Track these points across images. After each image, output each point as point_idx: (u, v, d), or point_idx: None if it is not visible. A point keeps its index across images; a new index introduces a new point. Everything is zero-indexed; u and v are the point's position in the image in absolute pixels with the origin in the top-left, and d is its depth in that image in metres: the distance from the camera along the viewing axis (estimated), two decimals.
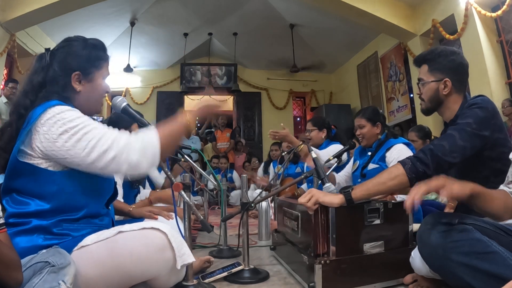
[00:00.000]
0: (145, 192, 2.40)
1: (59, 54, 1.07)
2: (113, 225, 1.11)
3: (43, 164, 0.95)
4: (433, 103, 1.38)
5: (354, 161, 2.35)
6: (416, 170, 1.17)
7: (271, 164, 4.21)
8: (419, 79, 1.40)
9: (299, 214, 1.34)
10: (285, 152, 1.80)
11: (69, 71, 1.05)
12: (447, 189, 0.88)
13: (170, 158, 1.97)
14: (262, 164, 4.68)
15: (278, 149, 4.30)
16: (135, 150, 0.93)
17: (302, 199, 1.21)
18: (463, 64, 1.36)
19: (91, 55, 1.08)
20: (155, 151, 0.96)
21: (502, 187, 1.02)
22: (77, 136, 0.92)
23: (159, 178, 2.91)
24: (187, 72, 7.55)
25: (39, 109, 0.95)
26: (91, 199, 1.02)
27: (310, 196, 1.19)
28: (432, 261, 0.96)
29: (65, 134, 0.92)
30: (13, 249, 0.76)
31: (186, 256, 1.01)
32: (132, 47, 6.22)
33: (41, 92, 1.02)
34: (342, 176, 2.39)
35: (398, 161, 1.22)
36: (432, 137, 2.92)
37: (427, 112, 1.43)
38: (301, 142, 1.55)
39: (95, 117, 1.24)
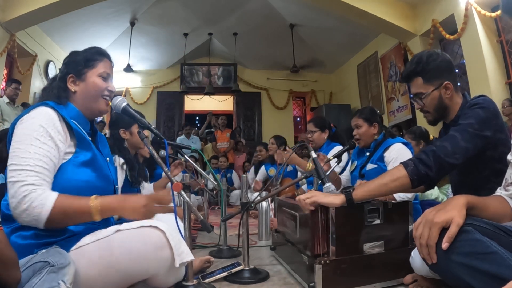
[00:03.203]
0: (149, 188, 2.42)
1: (61, 69, 1.18)
2: (114, 224, 1.12)
3: None
4: (439, 112, 1.35)
5: (352, 161, 2.35)
6: (418, 172, 1.16)
7: (264, 166, 4.17)
8: (417, 94, 1.35)
9: (297, 215, 1.34)
10: (285, 153, 1.80)
11: (65, 76, 1.13)
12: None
13: (170, 157, 1.97)
14: (252, 167, 4.63)
15: (263, 149, 4.29)
16: (23, 210, 0.89)
17: (302, 197, 1.21)
18: (450, 61, 1.35)
19: (83, 58, 1.15)
20: (38, 219, 0.90)
21: (499, 190, 1.02)
22: (13, 153, 0.95)
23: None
24: (187, 72, 7.56)
25: (30, 108, 1.02)
26: (82, 195, 1.01)
27: (310, 196, 1.19)
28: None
29: (13, 141, 0.96)
30: (10, 247, 0.76)
31: (184, 254, 1.02)
32: (132, 47, 6.23)
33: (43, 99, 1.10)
34: (345, 177, 2.39)
35: (400, 163, 1.21)
36: (431, 138, 2.88)
37: (434, 122, 1.39)
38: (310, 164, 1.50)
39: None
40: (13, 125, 1.00)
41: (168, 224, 1.04)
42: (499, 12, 3.72)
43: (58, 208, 0.92)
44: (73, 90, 1.12)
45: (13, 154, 0.94)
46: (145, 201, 1.00)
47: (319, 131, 2.84)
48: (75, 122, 1.07)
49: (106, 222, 1.11)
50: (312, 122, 2.93)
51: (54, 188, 0.97)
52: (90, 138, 1.15)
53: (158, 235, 0.98)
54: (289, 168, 3.64)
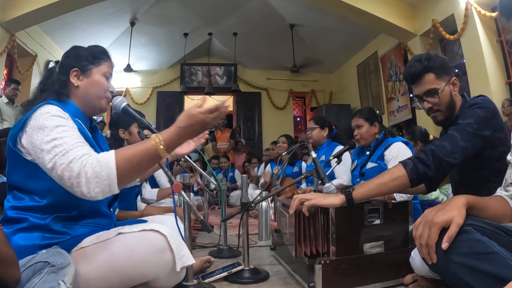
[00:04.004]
0: (152, 192, 2.43)
1: (62, 60, 1.14)
2: (115, 227, 1.11)
3: (35, 160, 0.95)
4: (450, 109, 1.32)
5: (352, 161, 2.35)
6: (417, 171, 1.16)
7: (269, 164, 4.20)
8: (430, 91, 1.30)
9: (287, 215, 1.34)
10: (285, 153, 1.80)
11: (68, 69, 1.10)
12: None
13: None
14: (262, 165, 4.68)
15: (275, 147, 4.30)
16: (88, 179, 0.85)
17: (300, 196, 1.20)
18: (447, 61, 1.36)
19: (89, 54, 1.13)
20: (110, 181, 0.86)
21: (499, 191, 1.02)
22: (47, 146, 0.90)
23: (163, 177, 2.92)
24: (187, 72, 7.55)
25: (34, 108, 0.98)
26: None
27: (309, 198, 1.18)
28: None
29: (38, 140, 0.91)
30: (9, 246, 0.76)
31: (185, 258, 1.01)
32: (132, 47, 6.23)
33: (43, 96, 1.06)
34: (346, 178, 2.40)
35: (400, 162, 1.21)
36: (431, 137, 2.88)
37: (445, 121, 1.34)
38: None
39: (95, 117, 1.24)
40: (19, 127, 0.96)
41: (168, 226, 1.03)
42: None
43: (122, 160, 0.87)
44: (76, 84, 1.10)
45: (49, 146, 0.89)
46: (201, 117, 0.93)
47: (319, 128, 2.84)
48: (78, 121, 1.06)
49: (108, 225, 1.11)
50: (312, 119, 2.95)
51: (57, 190, 0.94)
52: (91, 136, 1.15)
53: (159, 239, 0.98)
54: (296, 169, 3.65)
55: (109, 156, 0.87)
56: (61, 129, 0.93)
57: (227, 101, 1.06)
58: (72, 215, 1.00)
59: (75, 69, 1.10)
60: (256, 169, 5.00)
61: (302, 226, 1.21)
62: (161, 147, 0.90)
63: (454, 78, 1.32)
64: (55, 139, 0.90)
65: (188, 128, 0.93)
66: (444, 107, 1.32)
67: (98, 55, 1.14)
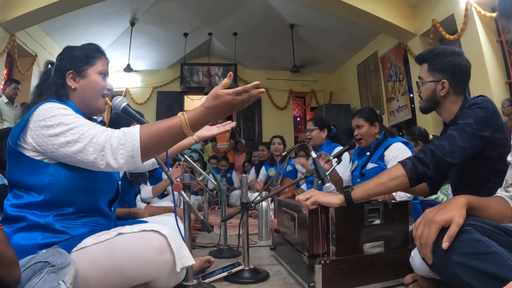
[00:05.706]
0: (147, 189, 2.43)
1: (56, 62, 1.14)
2: (115, 227, 1.11)
3: (37, 156, 0.97)
4: (430, 103, 1.39)
5: (353, 161, 2.36)
6: (416, 171, 1.16)
7: (264, 167, 4.16)
8: (419, 77, 1.41)
9: (296, 215, 1.34)
10: (285, 153, 1.80)
11: (64, 72, 1.10)
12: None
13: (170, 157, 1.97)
14: (253, 167, 4.61)
15: (265, 149, 4.29)
16: (114, 150, 0.90)
17: (300, 197, 1.21)
18: (463, 65, 1.34)
19: (83, 54, 1.13)
20: (134, 153, 0.91)
21: (499, 191, 1.01)
22: (60, 131, 0.93)
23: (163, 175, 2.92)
24: (187, 72, 7.55)
25: (35, 107, 0.99)
26: (84, 194, 1.02)
27: (309, 196, 1.19)
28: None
29: (50, 129, 0.94)
30: (10, 246, 0.76)
31: (185, 258, 1.01)
32: (132, 47, 6.23)
33: (42, 97, 1.06)
34: (346, 178, 2.40)
35: (398, 162, 1.21)
36: (431, 137, 2.88)
37: (424, 111, 1.44)
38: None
39: (95, 117, 1.25)
40: (21, 125, 0.97)
41: (169, 226, 1.03)
42: None
43: (146, 134, 0.91)
44: (73, 87, 1.10)
45: (64, 129, 0.92)
46: (228, 98, 0.93)
47: (318, 130, 2.84)
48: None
49: (108, 224, 1.11)
50: (311, 120, 2.95)
51: (56, 186, 0.96)
52: None
53: (159, 240, 0.98)
54: (289, 167, 3.65)
55: (134, 129, 0.92)
56: (71, 116, 0.96)
57: (257, 83, 1.04)
58: (70, 212, 1.00)
59: (70, 71, 1.10)
60: (248, 172, 4.96)
61: (321, 225, 1.20)
62: (186, 125, 0.92)
63: (444, 80, 1.32)
64: (68, 124, 0.94)
65: (214, 108, 0.94)
66: (424, 98, 1.41)
67: (92, 54, 1.14)
